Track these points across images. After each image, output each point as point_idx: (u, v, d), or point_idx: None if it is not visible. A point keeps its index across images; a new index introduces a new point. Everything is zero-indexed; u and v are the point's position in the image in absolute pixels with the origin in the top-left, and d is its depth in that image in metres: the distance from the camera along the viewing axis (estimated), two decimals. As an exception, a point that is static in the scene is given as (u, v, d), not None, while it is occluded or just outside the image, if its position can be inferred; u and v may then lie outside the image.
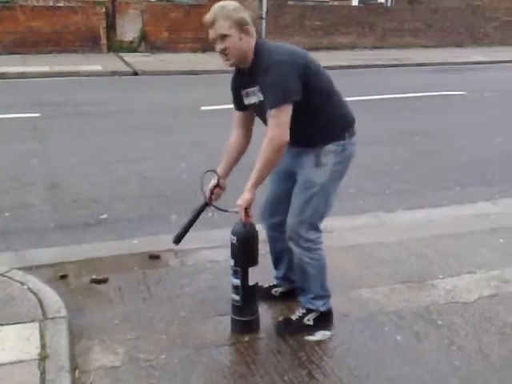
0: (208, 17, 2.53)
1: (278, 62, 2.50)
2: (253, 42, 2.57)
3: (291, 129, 2.57)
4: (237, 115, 2.85)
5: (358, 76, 10.81)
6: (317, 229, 2.78)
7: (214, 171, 2.88)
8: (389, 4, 16.84)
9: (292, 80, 2.50)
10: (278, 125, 2.50)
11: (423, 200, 4.82)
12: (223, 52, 2.53)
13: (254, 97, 2.64)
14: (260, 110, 2.64)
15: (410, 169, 5.76)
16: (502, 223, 4.27)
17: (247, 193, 2.61)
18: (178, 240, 2.88)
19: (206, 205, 2.86)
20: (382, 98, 9.04)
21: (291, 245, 2.80)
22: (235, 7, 2.54)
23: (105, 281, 3.32)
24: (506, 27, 16.29)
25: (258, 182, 2.61)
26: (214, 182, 2.88)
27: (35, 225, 4.21)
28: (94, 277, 3.34)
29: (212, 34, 2.53)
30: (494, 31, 16.15)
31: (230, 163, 2.89)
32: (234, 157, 2.88)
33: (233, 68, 2.73)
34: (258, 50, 2.57)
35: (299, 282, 2.90)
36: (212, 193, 2.87)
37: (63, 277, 3.35)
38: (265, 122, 2.66)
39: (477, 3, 16.57)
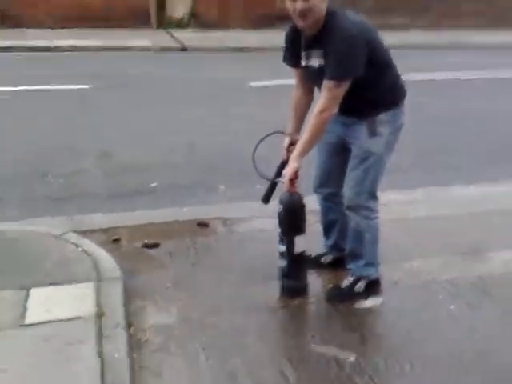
0: None
1: (350, 35, 2.46)
2: (324, 6, 2.51)
3: (344, 98, 2.55)
4: (297, 73, 2.81)
5: (409, 56, 10.50)
6: (375, 197, 2.78)
7: (281, 132, 2.86)
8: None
9: (360, 56, 2.48)
10: (331, 98, 2.50)
11: (479, 176, 4.67)
12: (303, 12, 2.44)
13: (316, 59, 2.59)
14: (317, 74, 2.60)
15: (464, 146, 5.58)
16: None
17: (294, 162, 2.62)
18: (267, 199, 2.87)
19: (285, 164, 2.82)
20: (436, 79, 8.79)
21: (350, 214, 2.78)
22: None
23: (156, 245, 3.38)
24: None
25: (305, 152, 2.62)
26: (287, 139, 2.85)
27: (89, 192, 4.29)
28: (145, 241, 3.40)
29: None
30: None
31: (300, 117, 2.86)
32: (302, 111, 2.85)
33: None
34: (331, 15, 2.51)
35: (353, 248, 2.88)
36: (288, 151, 2.84)
37: (116, 240, 3.42)
38: (319, 86, 2.62)
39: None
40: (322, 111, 2.52)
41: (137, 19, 13.11)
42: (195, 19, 13.63)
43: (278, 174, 2.82)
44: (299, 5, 2.44)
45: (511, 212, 3.89)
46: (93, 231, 3.51)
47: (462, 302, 2.78)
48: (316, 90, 2.74)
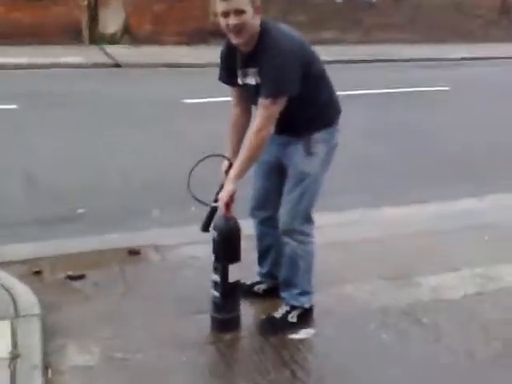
0: None
1: (284, 51, 2.42)
2: (258, 23, 2.46)
3: (288, 114, 2.52)
4: (234, 92, 2.76)
5: (342, 71, 10.71)
6: (311, 221, 2.74)
7: (217, 155, 2.78)
8: (373, 0, 16.83)
9: (294, 72, 2.44)
10: (267, 116, 2.44)
11: (408, 196, 4.76)
12: (236, 28, 2.40)
13: (252, 77, 2.54)
14: (254, 93, 2.55)
15: (395, 164, 5.70)
16: (487, 220, 4.22)
17: (230, 184, 2.54)
18: (206, 228, 2.75)
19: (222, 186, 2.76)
20: (366, 94, 8.99)
21: (286, 239, 2.73)
22: None
23: (81, 277, 3.21)
24: (488, 25, 16.37)
25: (242, 173, 2.54)
26: (226, 162, 2.77)
27: (10, 219, 4.07)
28: (69, 273, 3.23)
29: (226, 6, 2.39)
30: (477, 28, 16.20)
31: (238, 139, 2.78)
32: (240, 132, 2.78)
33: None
34: (265, 31, 2.47)
35: (287, 277, 2.83)
36: (227, 174, 2.77)
37: (37, 272, 3.24)
38: (256, 104, 2.56)
39: (460, 1, 16.62)
40: (258, 130, 2.46)
41: (68, 35, 12.79)
42: (128, 35, 13.44)
43: (215, 201, 2.75)
44: (232, 20, 2.38)
45: (441, 233, 3.96)
46: (12, 263, 3.31)
47: (393, 330, 2.78)
48: (254, 108, 2.67)
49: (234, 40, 2.46)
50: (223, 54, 2.70)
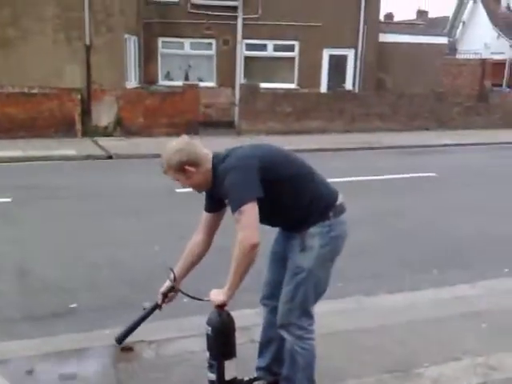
0: (161, 167, 2.69)
1: (227, 170, 2.56)
2: (205, 167, 2.65)
3: (276, 216, 2.64)
4: (204, 216, 2.89)
5: (328, 159, 11.00)
6: (309, 314, 2.71)
7: (172, 271, 2.88)
8: (356, 90, 17.56)
9: (247, 180, 2.52)
10: (243, 228, 2.46)
11: (402, 283, 4.76)
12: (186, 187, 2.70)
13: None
14: None
15: (386, 250, 5.74)
16: (483, 306, 4.21)
17: (222, 295, 2.56)
18: (120, 340, 2.80)
19: (157, 307, 2.82)
20: (353, 181, 9.16)
21: (283, 333, 2.71)
22: (175, 150, 2.64)
23: (73, 377, 3.12)
24: (468, 112, 17.04)
25: (235, 287, 2.54)
26: (167, 284, 2.91)
27: (0, 315, 4.00)
28: (62, 372, 3.14)
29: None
30: (457, 115, 16.84)
31: (188, 267, 2.94)
32: (192, 261, 2.93)
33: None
34: (214, 166, 2.65)
35: (287, 373, 2.77)
36: (165, 296, 2.88)
37: (30, 372, 3.14)
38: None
39: (440, 90, 17.39)
40: (240, 242, 2.46)
41: (62, 128, 13.11)
42: (120, 127, 13.80)
43: (146, 316, 3.00)
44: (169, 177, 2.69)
45: (437, 321, 3.93)
46: (4, 361, 3.23)
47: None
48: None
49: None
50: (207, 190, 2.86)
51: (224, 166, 2.59)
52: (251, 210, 2.46)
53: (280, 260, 2.81)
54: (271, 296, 2.88)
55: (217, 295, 2.58)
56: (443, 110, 16.56)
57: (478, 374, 3.23)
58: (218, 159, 2.66)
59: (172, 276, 2.90)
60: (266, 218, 2.58)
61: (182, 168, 2.62)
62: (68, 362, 3.29)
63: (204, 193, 2.82)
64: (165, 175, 2.69)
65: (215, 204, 2.78)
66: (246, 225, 2.45)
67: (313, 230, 2.63)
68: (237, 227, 2.48)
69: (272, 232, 2.88)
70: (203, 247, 2.90)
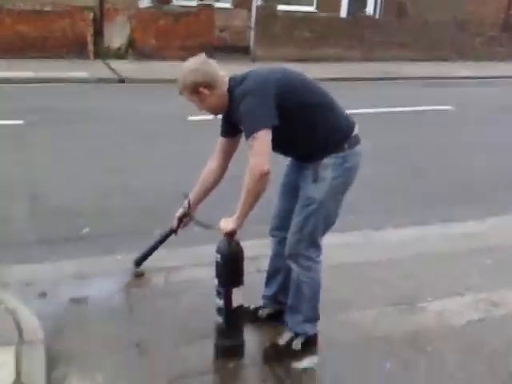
0: (177, 87, 2.61)
1: (244, 93, 2.48)
2: (222, 89, 2.57)
3: (291, 144, 2.60)
4: (220, 141, 2.83)
5: (344, 89, 10.78)
6: (317, 246, 2.73)
7: (187, 196, 2.86)
8: (377, 16, 16.94)
9: (263, 106, 2.46)
10: (254, 154, 2.43)
11: (411, 217, 4.77)
12: (200, 110, 2.64)
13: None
14: None
15: (397, 185, 5.71)
16: (491, 243, 4.23)
17: (232, 223, 2.57)
18: (139, 263, 2.84)
19: (173, 232, 2.83)
20: (367, 113, 9.01)
21: (290, 263, 2.74)
22: (190, 69, 2.55)
23: (85, 300, 3.21)
24: (490, 42, 16.46)
25: (244, 215, 2.55)
26: (182, 210, 2.90)
27: (14, 239, 4.08)
28: (74, 295, 3.23)
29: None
30: (479, 46, 16.29)
31: (203, 193, 2.92)
32: (207, 187, 2.90)
33: None
34: (231, 89, 2.57)
35: (292, 302, 2.82)
36: (181, 221, 2.86)
37: (42, 295, 3.24)
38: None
39: (463, 17, 16.72)
40: (251, 169, 2.44)
41: (73, 49, 12.88)
42: (133, 49, 13.53)
43: (162, 241, 3.01)
44: (184, 98, 2.60)
45: (444, 256, 3.97)
46: (16, 284, 3.32)
47: (397, 360, 2.77)
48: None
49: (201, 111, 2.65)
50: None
51: (241, 88, 2.51)
52: (264, 137, 2.42)
53: (291, 191, 2.79)
54: (280, 227, 2.88)
55: (226, 223, 2.58)
56: (465, 39, 16.01)
57: (480, 309, 3.28)
58: (235, 82, 2.58)
59: (186, 202, 2.90)
60: (280, 146, 2.55)
61: (196, 90, 2.55)
62: (80, 285, 3.38)
63: (220, 116, 2.76)
64: (180, 96, 2.61)
65: (231, 128, 2.71)
66: (258, 152, 2.42)
67: (326, 160, 2.58)
68: (249, 153, 2.46)
69: (283, 162, 2.86)
70: (218, 173, 2.85)
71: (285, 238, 2.82)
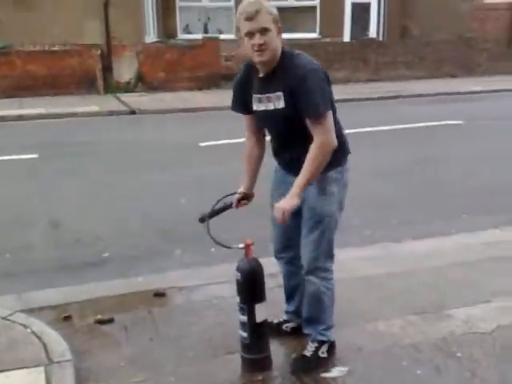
0: (250, 8, 2.41)
1: (314, 70, 2.48)
2: (280, 41, 2.51)
3: (294, 156, 2.58)
4: (248, 121, 2.78)
5: (353, 109, 10.84)
6: (332, 257, 2.76)
7: (232, 193, 2.81)
8: (380, 38, 17.12)
9: (326, 90, 2.50)
10: (326, 131, 2.48)
11: (431, 229, 4.74)
12: (260, 46, 2.43)
13: (271, 103, 2.56)
14: (273, 117, 2.58)
15: (415, 198, 5.70)
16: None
17: (295, 198, 2.51)
18: (202, 220, 2.75)
19: (231, 206, 2.79)
20: (381, 130, 9.06)
21: (310, 277, 2.74)
22: (270, 3, 2.48)
23: (110, 321, 3.22)
24: (496, 57, 16.55)
25: (304, 186, 2.53)
26: (241, 189, 2.82)
27: (37, 266, 4.12)
28: (98, 317, 3.24)
29: (251, 26, 2.41)
30: (485, 61, 16.38)
31: (254, 171, 2.85)
32: (255, 164, 2.84)
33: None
34: (285, 54, 2.52)
35: (312, 314, 2.82)
36: (239, 201, 2.81)
37: (67, 318, 3.25)
38: (273, 129, 2.63)
39: (468, 35, 16.87)
40: (323, 144, 2.46)
41: (83, 85, 13.11)
42: (142, 82, 13.74)
43: (221, 210, 2.77)
44: (257, 40, 2.41)
45: (467, 265, 3.93)
46: (42, 309, 3.35)
47: (428, 366, 2.73)
48: (274, 133, 2.70)
49: (258, 58, 2.47)
50: (239, 81, 2.72)
51: (302, 62, 2.49)
52: (330, 117, 2.49)
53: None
54: (285, 248, 2.89)
55: (288, 202, 2.51)
56: (471, 56, 16.12)
57: (509, 314, 3.23)
58: (286, 50, 2.55)
59: (235, 197, 2.82)
60: (293, 141, 2.57)
61: (277, 22, 2.46)
62: (104, 308, 3.38)
63: (235, 98, 2.73)
64: (250, 20, 2.39)
65: (245, 105, 2.67)
66: (329, 129, 2.48)
67: (330, 174, 2.60)
68: (318, 130, 2.46)
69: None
70: (259, 149, 2.82)
71: (293, 258, 2.85)
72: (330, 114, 2.48)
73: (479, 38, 17.08)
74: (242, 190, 2.84)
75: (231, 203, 2.80)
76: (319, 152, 2.47)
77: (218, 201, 2.77)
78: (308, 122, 2.49)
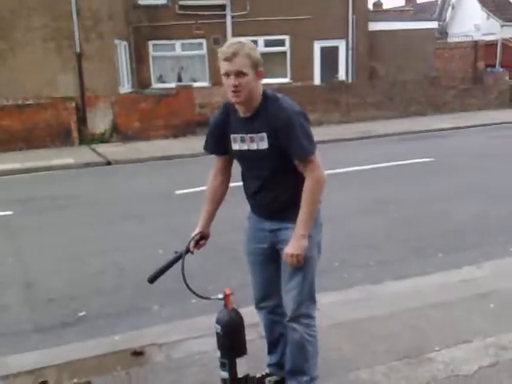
0: (228, 50, 2.43)
1: (297, 112, 2.51)
2: (260, 84, 2.54)
3: (269, 199, 2.60)
4: (219, 160, 2.79)
5: (326, 151, 10.97)
6: (315, 301, 2.74)
7: (178, 253, 2.78)
8: (349, 80, 17.53)
9: (310, 129, 2.54)
10: (317, 168, 2.53)
11: (408, 269, 4.76)
12: (235, 88, 2.44)
13: (253, 143, 2.56)
14: (255, 157, 2.58)
15: (390, 238, 5.73)
16: (490, 287, 4.21)
17: (304, 240, 2.52)
18: (152, 280, 2.73)
19: (188, 252, 2.76)
20: (352, 170, 9.17)
21: (293, 325, 2.69)
22: (254, 47, 2.49)
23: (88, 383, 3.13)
24: (463, 95, 17.02)
25: (310, 225, 2.55)
26: (197, 230, 2.79)
27: (11, 328, 4.01)
28: (75, 381, 3.15)
29: (227, 67, 2.43)
30: (453, 99, 16.83)
31: (214, 209, 2.84)
32: (217, 203, 2.84)
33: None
34: (268, 96, 2.54)
35: (296, 364, 2.76)
36: (197, 242, 2.78)
37: (43, 383, 3.15)
38: (254, 169, 2.62)
39: (433, 74, 17.38)
40: (318, 181, 2.52)
41: (58, 138, 13.10)
42: (117, 133, 13.78)
43: (176, 260, 2.75)
44: (231, 80, 2.43)
45: (446, 304, 3.93)
46: (17, 375, 3.24)
47: (412, 413, 2.70)
48: (256, 172, 2.67)
49: (234, 98, 2.48)
50: (217, 120, 2.69)
51: (287, 104, 2.52)
52: (317, 155, 2.54)
53: (265, 258, 2.75)
54: (266, 297, 2.84)
55: (298, 244, 2.52)
56: (438, 94, 16.55)
57: (490, 354, 3.23)
58: (269, 92, 2.57)
59: (198, 227, 2.81)
60: (267, 186, 2.60)
61: (257, 66, 2.48)
62: (81, 370, 3.28)
63: (210, 138, 2.73)
64: (228, 61, 2.40)
65: (221, 145, 2.68)
66: (319, 164, 2.53)
67: None
68: (311, 167, 2.51)
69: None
70: (223, 188, 2.83)
71: (274, 306, 2.81)
72: (316, 151, 2.54)
73: (444, 76, 17.62)
74: (198, 230, 2.81)
75: (180, 254, 2.74)
76: (318, 187, 2.53)
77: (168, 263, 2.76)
78: (298, 163, 2.53)
